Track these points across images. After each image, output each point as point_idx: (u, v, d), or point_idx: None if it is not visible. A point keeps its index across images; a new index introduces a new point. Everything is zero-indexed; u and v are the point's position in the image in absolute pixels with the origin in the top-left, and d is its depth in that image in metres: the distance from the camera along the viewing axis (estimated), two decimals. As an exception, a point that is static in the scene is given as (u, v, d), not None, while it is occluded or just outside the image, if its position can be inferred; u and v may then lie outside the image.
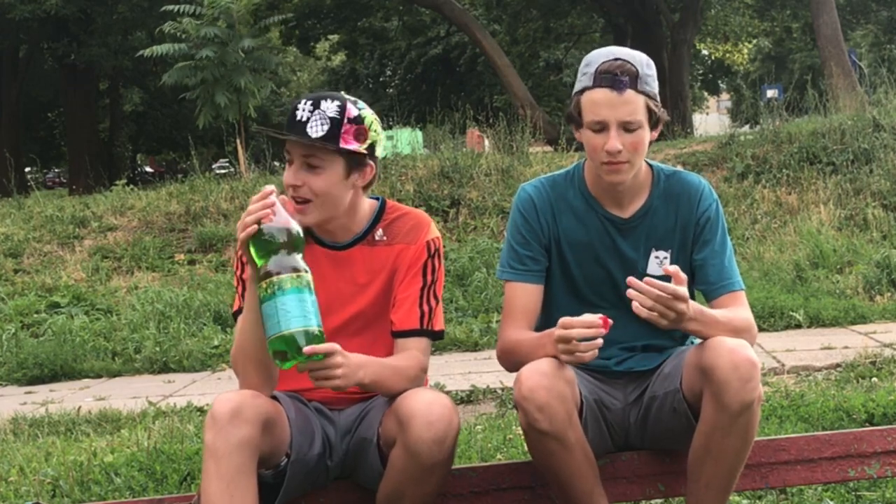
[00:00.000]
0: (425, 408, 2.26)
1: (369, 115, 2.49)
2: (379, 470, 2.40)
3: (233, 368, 2.43)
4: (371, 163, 2.51)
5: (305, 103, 2.44)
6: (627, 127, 2.44)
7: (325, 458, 2.48)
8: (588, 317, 2.29)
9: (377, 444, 2.42)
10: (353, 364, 2.28)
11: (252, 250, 2.23)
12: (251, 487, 2.23)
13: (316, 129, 2.40)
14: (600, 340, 2.28)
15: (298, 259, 2.21)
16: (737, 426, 2.30)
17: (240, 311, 2.46)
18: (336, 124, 2.41)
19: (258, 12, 15.07)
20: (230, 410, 2.23)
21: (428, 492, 2.36)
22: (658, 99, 2.50)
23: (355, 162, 2.46)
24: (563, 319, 2.31)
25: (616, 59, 2.45)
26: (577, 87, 2.51)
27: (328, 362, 2.20)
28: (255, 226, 2.22)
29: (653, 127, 2.51)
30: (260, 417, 2.26)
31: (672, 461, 2.59)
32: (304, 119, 2.41)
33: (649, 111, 2.47)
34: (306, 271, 2.20)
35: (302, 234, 2.24)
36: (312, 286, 2.20)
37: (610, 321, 2.28)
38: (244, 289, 2.47)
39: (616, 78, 2.42)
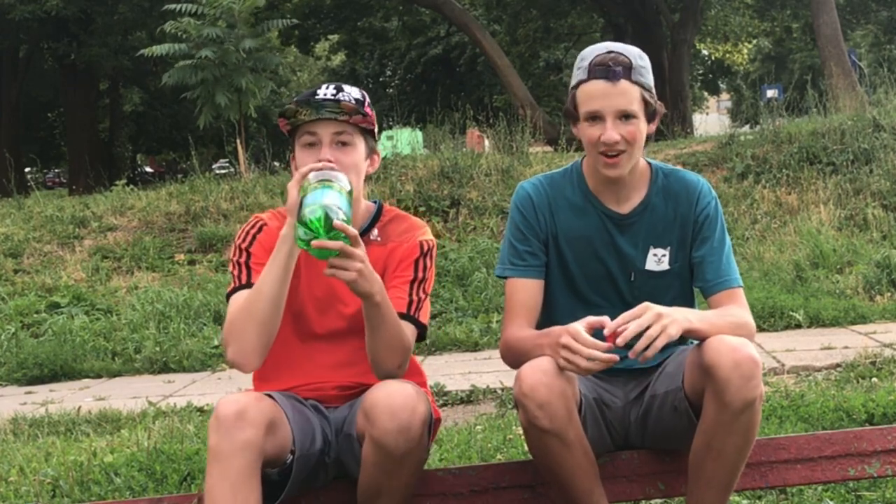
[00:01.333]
0: (388, 398, 2.26)
1: None
2: None
3: (226, 336, 2.40)
4: (378, 150, 2.59)
5: (327, 88, 2.50)
6: (623, 117, 2.46)
7: (325, 455, 2.49)
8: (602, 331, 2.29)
9: (358, 438, 2.42)
10: (376, 274, 2.29)
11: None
12: (255, 489, 2.22)
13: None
14: (613, 358, 2.27)
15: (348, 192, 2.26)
16: (738, 424, 2.30)
17: (235, 290, 2.46)
18: (360, 104, 2.49)
19: (258, 13, 15.06)
20: (235, 413, 2.22)
21: (403, 484, 2.35)
22: (653, 91, 2.52)
23: (371, 146, 2.55)
24: (575, 331, 2.29)
25: (609, 52, 2.49)
26: (573, 81, 2.54)
27: (354, 251, 2.19)
28: (317, 166, 2.30)
29: (649, 119, 2.52)
30: (264, 419, 2.25)
31: (672, 460, 2.59)
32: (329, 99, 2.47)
33: (645, 102, 2.48)
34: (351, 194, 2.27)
35: (352, 188, 2.30)
36: (352, 206, 2.25)
37: (617, 358, 2.27)
38: (240, 271, 2.49)
39: (610, 69, 2.45)
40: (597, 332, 2.31)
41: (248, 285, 2.43)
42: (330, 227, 2.13)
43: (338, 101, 2.45)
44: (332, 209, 2.15)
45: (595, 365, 2.27)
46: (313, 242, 2.14)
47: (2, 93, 26.89)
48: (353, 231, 2.17)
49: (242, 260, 2.50)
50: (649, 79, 2.51)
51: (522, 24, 29.28)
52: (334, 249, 2.15)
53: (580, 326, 2.30)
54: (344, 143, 2.46)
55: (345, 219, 2.16)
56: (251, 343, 2.35)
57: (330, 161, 2.40)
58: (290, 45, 31.10)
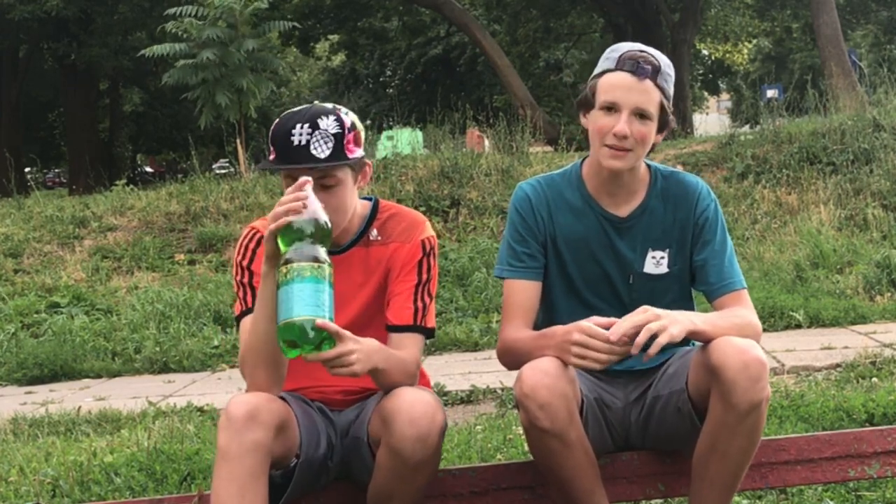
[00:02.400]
0: (407, 406, 2.26)
1: (354, 117, 2.50)
2: (371, 469, 2.41)
3: (241, 371, 2.42)
4: (369, 162, 2.54)
5: (302, 127, 2.37)
6: (639, 116, 2.46)
7: (328, 459, 2.49)
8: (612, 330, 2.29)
9: (367, 442, 2.42)
10: (367, 349, 2.26)
11: (279, 239, 2.19)
12: (262, 491, 2.22)
13: (322, 150, 2.36)
14: (627, 349, 2.27)
15: (321, 251, 2.17)
16: (744, 426, 2.30)
17: (242, 314, 2.46)
18: (339, 139, 2.39)
19: (259, 13, 15.06)
20: (246, 413, 2.22)
21: (416, 489, 2.35)
22: (671, 102, 2.52)
23: (359, 167, 2.48)
24: (587, 327, 2.29)
25: (641, 51, 2.50)
26: (598, 70, 2.53)
27: (341, 350, 2.17)
28: (286, 218, 2.18)
29: (661, 128, 2.52)
30: (275, 421, 2.25)
31: (672, 461, 2.59)
32: (305, 142, 2.36)
33: (662, 109, 2.49)
34: (329, 265, 2.16)
35: (329, 226, 2.20)
36: (332, 279, 2.17)
37: (630, 350, 2.27)
38: (245, 293, 2.48)
39: (639, 65, 2.46)
40: None
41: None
42: (308, 340, 2.11)
43: (317, 158, 2.35)
44: (307, 322, 2.10)
45: (612, 357, 2.27)
46: (302, 357, 2.14)
47: (2, 93, 26.89)
48: (334, 328, 2.14)
49: (245, 280, 2.49)
50: (671, 89, 2.51)
51: (522, 24, 29.28)
52: (321, 360, 2.16)
53: (590, 323, 2.30)
54: (328, 186, 2.39)
55: (326, 315, 2.12)
56: (265, 380, 2.35)
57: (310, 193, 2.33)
58: (291, 45, 31.09)
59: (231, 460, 2.19)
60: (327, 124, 2.39)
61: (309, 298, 2.11)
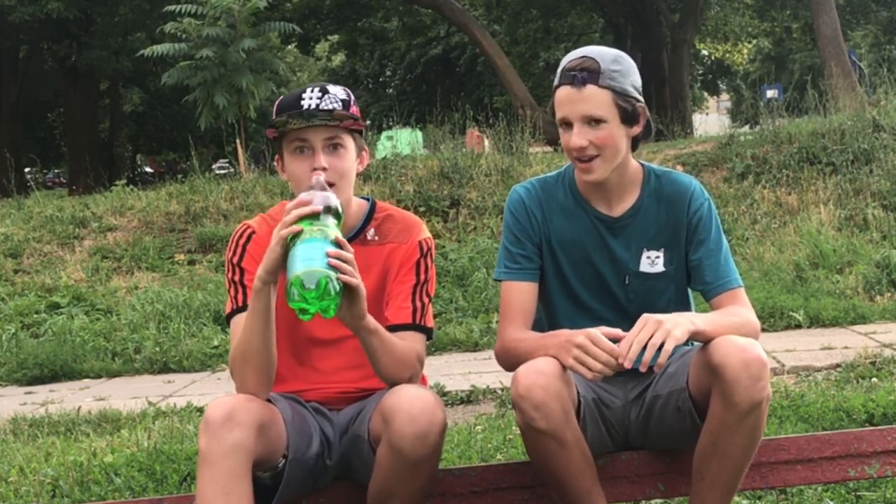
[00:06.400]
0: (407, 403, 2.26)
1: None
2: (372, 468, 2.40)
3: (231, 373, 2.41)
4: (367, 147, 2.59)
5: (312, 91, 2.47)
6: (590, 123, 2.45)
7: (324, 458, 2.48)
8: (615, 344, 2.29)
9: (368, 440, 2.42)
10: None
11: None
12: (246, 491, 2.22)
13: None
14: (613, 367, 2.28)
15: (335, 223, 2.21)
16: (744, 425, 2.30)
17: (234, 312, 2.46)
18: (347, 104, 2.48)
19: (258, 13, 15.06)
20: (223, 415, 2.22)
21: (416, 488, 2.35)
22: (630, 94, 2.47)
23: (360, 145, 2.54)
24: (594, 335, 2.29)
25: (581, 57, 2.48)
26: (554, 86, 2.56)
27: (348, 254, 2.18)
28: (297, 227, 2.18)
29: (628, 122, 2.50)
30: (254, 421, 2.25)
31: (672, 461, 2.59)
32: (315, 105, 2.44)
33: (618, 106, 2.46)
34: (336, 226, 2.22)
35: (342, 211, 2.25)
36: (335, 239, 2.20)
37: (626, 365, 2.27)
38: (236, 291, 2.47)
39: (573, 75, 2.45)
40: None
41: (246, 306, 2.41)
42: (327, 294, 2.11)
43: (330, 110, 2.43)
44: (331, 277, 2.10)
45: (606, 370, 2.27)
46: (340, 278, 2.13)
47: (2, 93, 26.88)
48: (355, 280, 2.18)
49: (237, 278, 2.49)
50: (626, 82, 2.47)
51: (522, 24, 29.30)
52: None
53: (599, 332, 2.30)
54: (336, 146, 2.45)
55: (337, 284, 2.13)
56: (253, 384, 2.36)
57: (325, 168, 2.40)
58: (290, 45, 31.10)
59: (212, 463, 2.19)
60: (335, 91, 2.50)
61: (324, 251, 2.13)
